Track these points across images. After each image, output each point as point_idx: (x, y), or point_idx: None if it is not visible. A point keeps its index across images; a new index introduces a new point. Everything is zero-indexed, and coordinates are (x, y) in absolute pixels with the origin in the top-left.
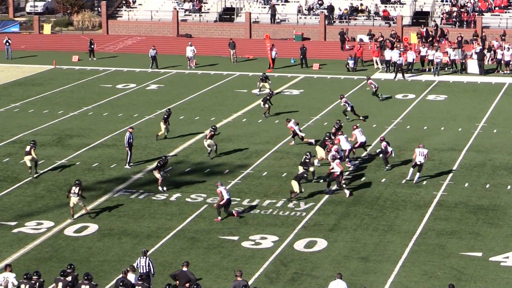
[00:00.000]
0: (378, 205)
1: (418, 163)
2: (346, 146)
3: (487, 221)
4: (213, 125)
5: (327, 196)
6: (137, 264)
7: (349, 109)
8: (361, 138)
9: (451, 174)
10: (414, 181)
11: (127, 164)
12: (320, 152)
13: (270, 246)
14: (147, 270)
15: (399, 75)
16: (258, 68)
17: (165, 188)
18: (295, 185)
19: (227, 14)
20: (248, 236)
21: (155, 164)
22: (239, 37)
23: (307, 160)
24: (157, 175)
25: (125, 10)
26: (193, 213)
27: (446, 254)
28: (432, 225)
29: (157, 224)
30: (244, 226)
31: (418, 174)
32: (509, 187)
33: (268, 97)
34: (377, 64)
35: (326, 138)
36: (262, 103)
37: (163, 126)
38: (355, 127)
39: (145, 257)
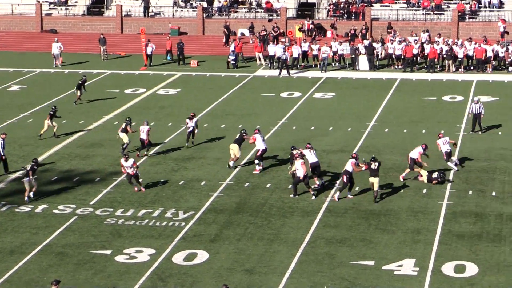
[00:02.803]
0: (263, 212)
1: (448, 151)
2: (260, 145)
3: (379, 227)
4: (127, 118)
5: (208, 204)
6: None
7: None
8: (260, 145)
9: (340, 178)
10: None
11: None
12: (235, 150)
13: (146, 260)
14: None
15: (284, 72)
16: (130, 66)
17: (31, 195)
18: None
19: (96, 7)
20: (122, 250)
21: (25, 171)
22: (109, 32)
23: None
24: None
25: None
26: (61, 226)
27: (337, 264)
28: (321, 233)
29: (21, 239)
30: (118, 239)
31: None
32: (402, 190)
33: (80, 82)
34: (260, 60)
35: (244, 134)
36: (76, 90)
37: (47, 123)
38: (256, 131)
39: None
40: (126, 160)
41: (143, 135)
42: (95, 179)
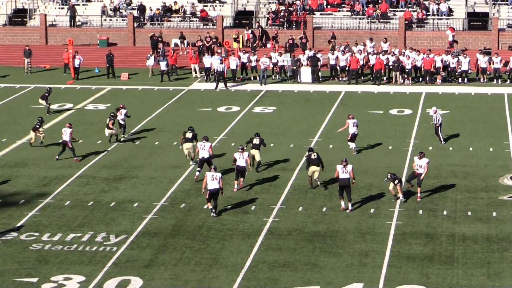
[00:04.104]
0: (200, 235)
1: (355, 133)
2: (202, 154)
3: (324, 249)
4: (111, 113)
5: (141, 226)
6: None
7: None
8: (202, 153)
9: (282, 197)
10: (354, 152)
11: None
12: (190, 149)
13: None
14: None
15: (221, 85)
16: (56, 79)
17: None
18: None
19: (19, 17)
20: (50, 277)
21: None
22: (33, 43)
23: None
24: None
25: None
26: None
27: None
28: (263, 257)
29: None
30: (45, 266)
31: (353, 144)
32: (348, 210)
33: (47, 94)
34: (196, 73)
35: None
36: (40, 100)
37: (33, 134)
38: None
39: None
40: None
41: (66, 137)
42: (19, 201)
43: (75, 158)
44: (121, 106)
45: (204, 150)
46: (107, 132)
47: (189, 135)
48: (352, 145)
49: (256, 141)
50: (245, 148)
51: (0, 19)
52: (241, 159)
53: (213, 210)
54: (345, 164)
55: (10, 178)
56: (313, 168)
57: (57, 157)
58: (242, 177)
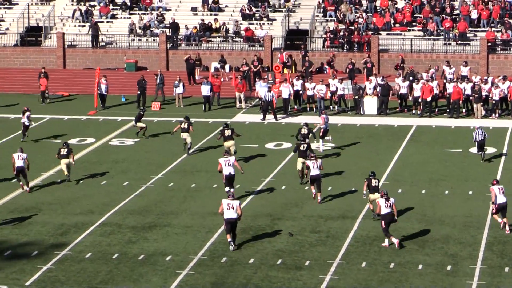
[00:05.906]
0: None
1: (327, 127)
2: (226, 170)
3: None
4: (186, 116)
5: (175, 284)
6: None
7: None
8: (227, 169)
9: (342, 251)
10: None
11: None
12: None
13: None
14: None
15: (270, 116)
16: (77, 109)
17: None
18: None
19: (32, 36)
20: None
21: None
22: (49, 66)
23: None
24: None
25: None
26: None
27: None
28: None
29: None
30: None
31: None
32: (420, 266)
33: (142, 113)
34: (240, 103)
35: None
36: (136, 122)
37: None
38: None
39: None
40: None
41: (20, 163)
42: (32, 253)
43: (28, 188)
44: (26, 108)
45: (229, 165)
46: (186, 136)
47: (228, 132)
48: (327, 138)
49: (304, 130)
50: (317, 156)
51: (10, 38)
52: (315, 168)
53: (231, 243)
54: (387, 197)
55: (21, 225)
56: (301, 159)
57: (20, 182)
58: (318, 188)
